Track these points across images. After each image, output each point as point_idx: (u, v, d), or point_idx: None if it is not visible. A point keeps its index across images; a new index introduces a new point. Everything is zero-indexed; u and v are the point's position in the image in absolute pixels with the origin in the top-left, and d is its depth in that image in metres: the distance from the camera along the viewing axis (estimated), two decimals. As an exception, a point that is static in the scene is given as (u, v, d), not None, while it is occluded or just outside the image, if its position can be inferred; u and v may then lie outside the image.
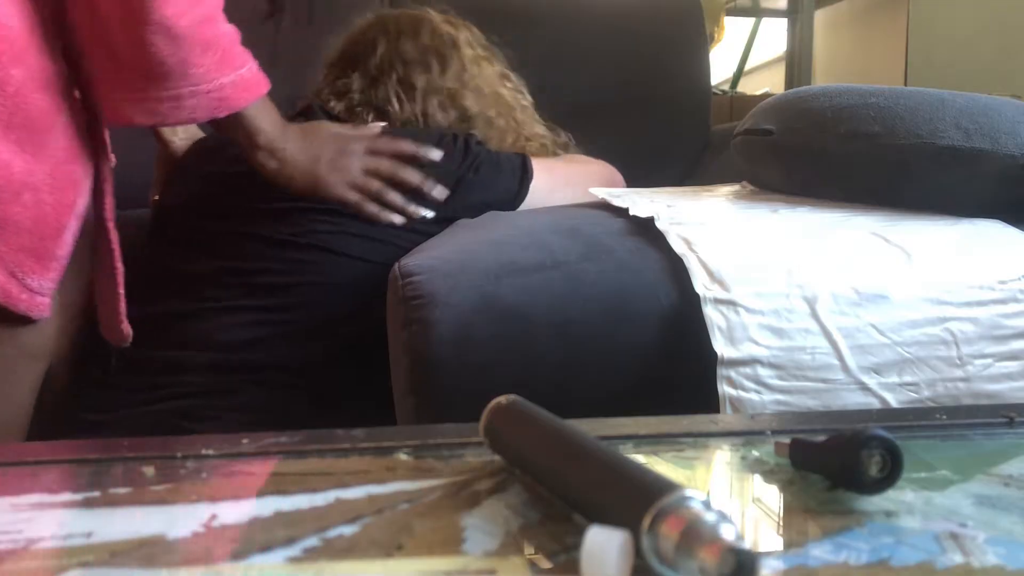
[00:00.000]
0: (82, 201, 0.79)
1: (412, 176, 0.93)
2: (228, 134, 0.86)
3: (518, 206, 1.00)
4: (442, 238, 0.89)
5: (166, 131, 1.09)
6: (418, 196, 0.93)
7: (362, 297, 0.90)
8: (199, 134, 1.11)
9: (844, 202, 0.90)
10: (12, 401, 0.79)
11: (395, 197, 0.93)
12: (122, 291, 0.82)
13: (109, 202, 0.81)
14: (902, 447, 0.41)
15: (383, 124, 0.98)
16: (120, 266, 0.82)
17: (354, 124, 1.00)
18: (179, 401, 0.85)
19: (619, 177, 1.18)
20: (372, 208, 0.92)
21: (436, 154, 0.94)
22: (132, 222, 1.01)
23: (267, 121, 0.86)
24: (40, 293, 0.74)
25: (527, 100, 1.18)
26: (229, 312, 0.89)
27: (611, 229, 0.83)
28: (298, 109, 1.06)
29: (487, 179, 0.98)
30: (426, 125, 1.05)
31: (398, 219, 0.92)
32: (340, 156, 0.91)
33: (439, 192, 0.94)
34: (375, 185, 0.91)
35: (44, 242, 0.74)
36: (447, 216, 0.95)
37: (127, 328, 0.83)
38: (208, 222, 0.96)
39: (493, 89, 1.12)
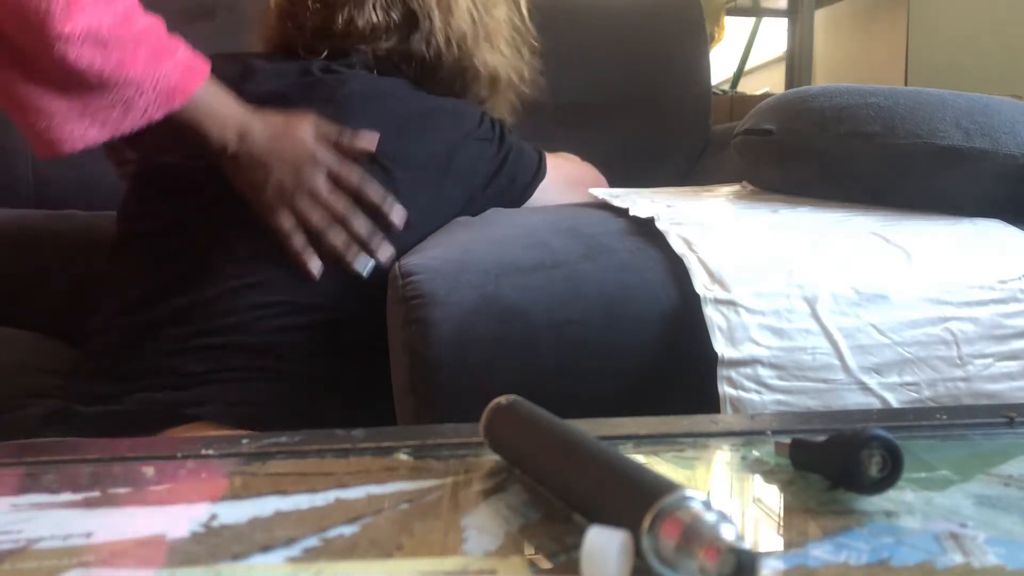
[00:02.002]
0: None
1: (361, 228, 0.84)
2: (190, 137, 0.79)
3: (524, 202, 1.00)
4: (442, 237, 0.89)
5: None
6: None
7: (369, 292, 0.89)
8: None
9: (844, 202, 0.90)
10: None
11: (337, 241, 0.83)
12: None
13: None
14: (902, 447, 0.41)
15: (378, 134, 0.88)
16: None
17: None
18: (179, 392, 0.84)
19: (603, 180, 1.18)
20: (297, 245, 0.82)
21: (398, 216, 0.85)
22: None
23: (226, 110, 0.80)
24: None
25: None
26: (237, 293, 0.87)
27: (611, 229, 0.83)
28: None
29: (511, 171, 0.98)
30: (372, 34, 0.97)
31: (316, 268, 0.83)
32: (298, 171, 0.82)
33: (384, 253, 0.85)
34: (316, 220, 0.83)
35: None
36: (478, 204, 0.95)
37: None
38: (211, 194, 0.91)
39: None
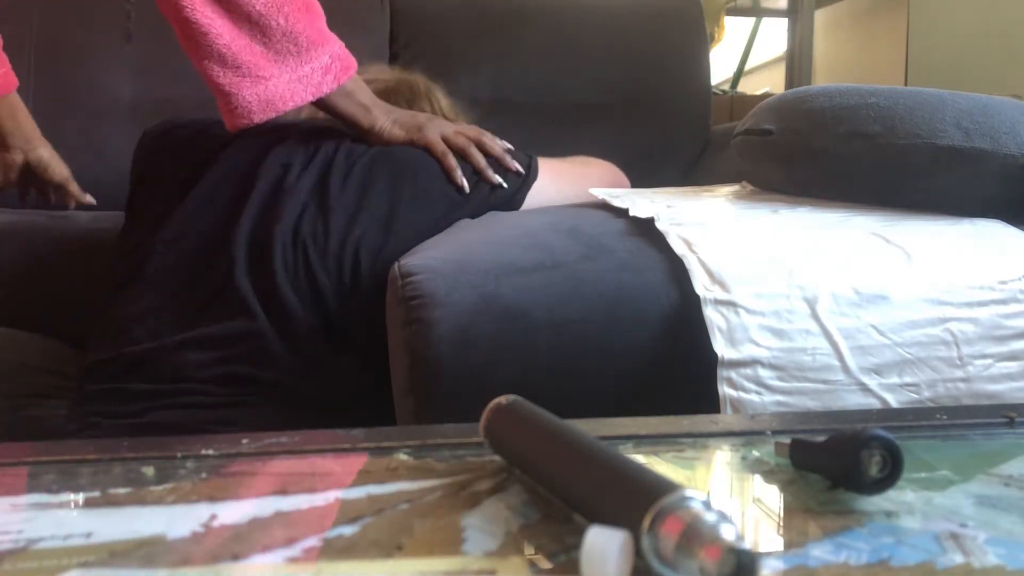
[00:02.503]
0: None
1: (495, 145, 1.01)
2: (340, 106, 0.96)
3: (518, 207, 1.00)
4: (441, 237, 0.89)
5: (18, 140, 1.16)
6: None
7: (371, 297, 0.90)
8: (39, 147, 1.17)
9: (844, 202, 0.90)
10: None
11: (478, 156, 0.99)
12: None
13: None
14: (902, 447, 0.41)
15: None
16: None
17: None
18: (202, 411, 0.85)
19: (624, 180, 1.18)
20: (451, 163, 0.97)
21: (514, 166, 1.01)
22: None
23: (365, 87, 0.98)
24: None
25: None
26: (255, 319, 0.89)
27: (611, 229, 0.83)
28: None
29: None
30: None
31: (464, 182, 0.97)
32: (432, 119, 1.02)
33: (513, 164, 1.00)
34: (462, 141, 0.99)
35: None
36: (464, 211, 0.95)
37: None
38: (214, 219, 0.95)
39: None
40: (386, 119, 0.98)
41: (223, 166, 0.97)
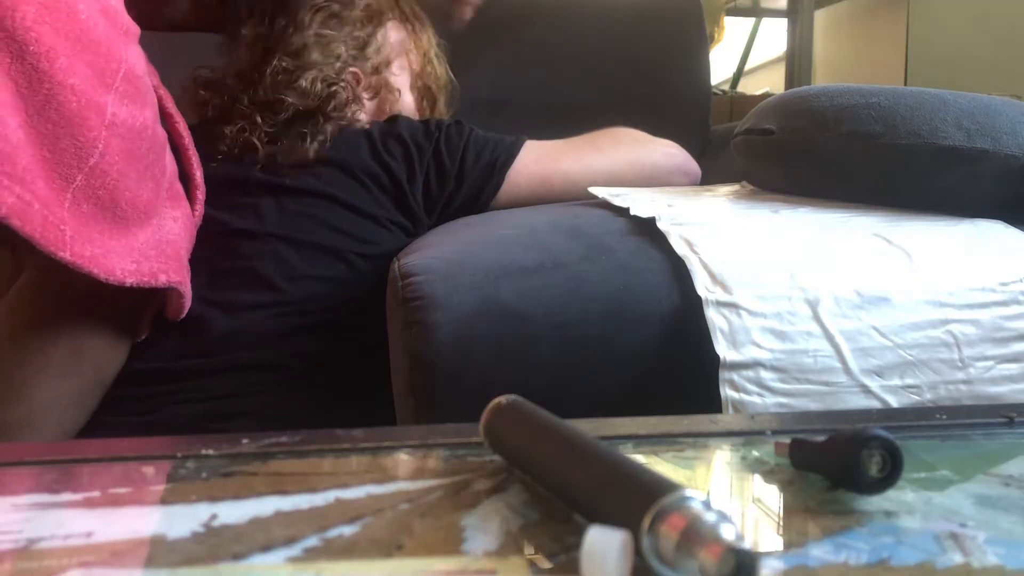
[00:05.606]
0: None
1: None
2: None
3: (496, 188, 1.03)
4: (441, 236, 0.89)
5: None
6: None
7: (371, 294, 0.90)
8: None
9: (844, 202, 0.90)
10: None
11: None
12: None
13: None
14: (902, 447, 0.41)
15: None
16: None
17: None
18: (213, 403, 0.85)
19: (680, 161, 1.18)
20: None
21: None
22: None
23: None
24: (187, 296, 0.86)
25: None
26: (249, 310, 0.89)
27: (612, 229, 0.83)
28: None
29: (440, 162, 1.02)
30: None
31: None
32: None
33: None
34: None
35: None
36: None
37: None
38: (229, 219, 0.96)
39: None
40: None
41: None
